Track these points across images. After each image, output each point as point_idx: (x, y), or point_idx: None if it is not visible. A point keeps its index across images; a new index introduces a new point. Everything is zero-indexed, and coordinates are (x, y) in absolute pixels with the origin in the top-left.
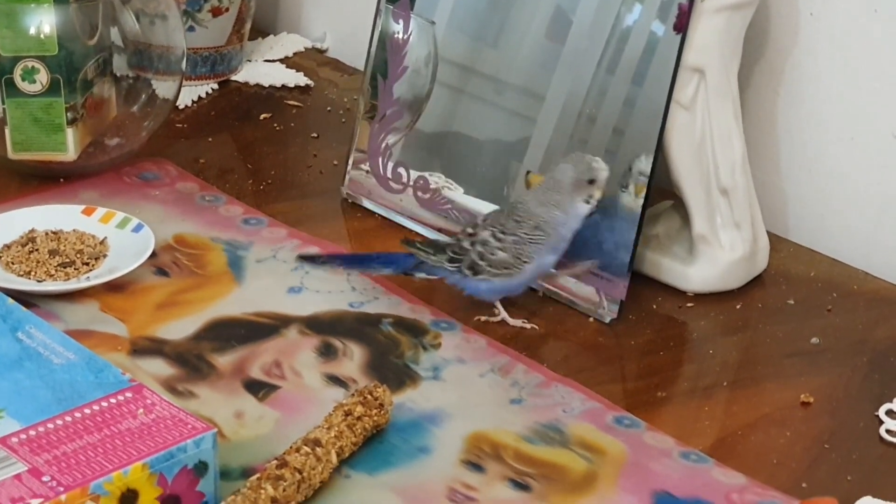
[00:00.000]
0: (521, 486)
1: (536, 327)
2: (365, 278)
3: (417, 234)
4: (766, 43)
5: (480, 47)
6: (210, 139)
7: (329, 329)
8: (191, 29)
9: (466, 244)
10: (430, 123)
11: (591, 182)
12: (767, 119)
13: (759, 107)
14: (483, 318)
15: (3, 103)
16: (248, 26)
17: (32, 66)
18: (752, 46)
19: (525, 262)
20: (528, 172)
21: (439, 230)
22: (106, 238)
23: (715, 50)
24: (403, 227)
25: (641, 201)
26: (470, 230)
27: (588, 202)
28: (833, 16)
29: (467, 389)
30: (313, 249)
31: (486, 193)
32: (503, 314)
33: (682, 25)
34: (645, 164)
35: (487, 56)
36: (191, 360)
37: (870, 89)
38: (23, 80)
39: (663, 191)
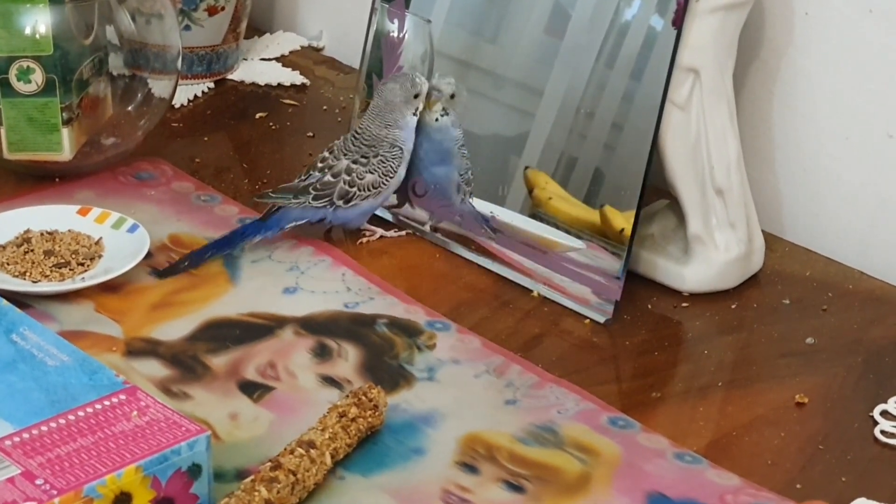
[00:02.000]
0: (516, 488)
1: (407, 232)
2: (360, 278)
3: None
4: (761, 43)
5: (479, 42)
6: (206, 138)
7: (324, 330)
8: (186, 28)
9: (329, 177)
10: None
11: (416, 96)
12: (762, 119)
13: (754, 107)
14: (364, 241)
15: None
16: (243, 25)
17: (28, 66)
18: (747, 46)
19: (390, 177)
20: (526, 167)
21: (435, 229)
22: (101, 238)
23: (710, 50)
24: (398, 225)
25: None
26: (321, 164)
27: (415, 114)
28: (828, 16)
29: (462, 390)
30: (307, 249)
31: (483, 191)
32: (379, 231)
33: (680, 21)
34: (439, 81)
35: (486, 51)
36: (185, 361)
37: (865, 89)
38: (18, 80)
39: (658, 190)
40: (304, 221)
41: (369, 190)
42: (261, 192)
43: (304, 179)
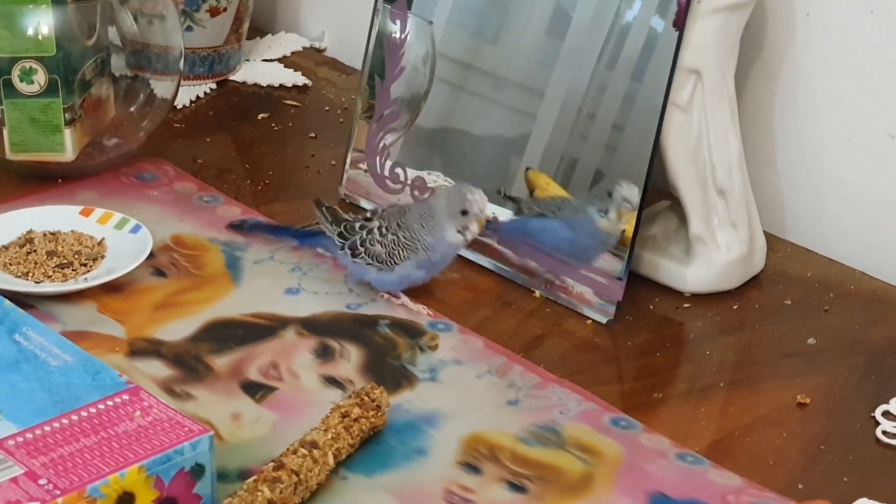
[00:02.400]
0: (518, 488)
1: (430, 313)
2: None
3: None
4: (763, 44)
5: (480, 44)
6: (208, 139)
7: (326, 330)
8: (189, 29)
9: (357, 226)
10: (429, 120)
11: (464, 213)
12: (764, 119)
13: (756, 107)
14: (387, 296)
15: (2, 104)
16: (246, 26)
17: (30, 67)
18: (749, 47)
19: (395, 263)
20: (527, 169)
21: None
22: (104, 239)
23: (711, 51)
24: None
25: (623, 226)
26: (367, 215)
27: (462, 233)
28: (829, 16)
29: (464, 391)
30: (310, 250)
31: (486, 193)
32: (403, 298)
33: (681, 22)
34: (628, 191)
35: (487, 52)
36: (188, 362)
37: (866, 90)
38: (21, 80)
39: (660, 191)
40: (329, 255)
41: (371, 259)
42: (318, 201)
43: (355, 220)
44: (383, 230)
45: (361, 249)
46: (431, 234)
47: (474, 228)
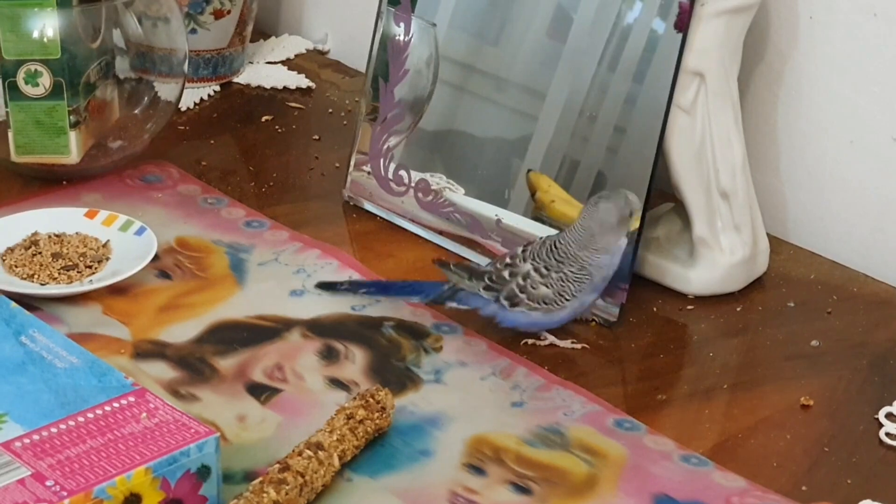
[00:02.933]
0: (523, 490)
1: (587, 346)
2: (366, 280)
3: (445, 252)
4: (766, 46)
5: (482, 45)
6: (212, 141)
7: (331, 332)
8: (193, 31)
9: (506, 274)
10: (431, 122)
11: (631, 215)
12: (767, 122)
13: (759, 110)
14: (531, 341)
15: (7, 106)
16: (249, 28)
17: (35, 70)
18: (752, 50)
19: (567, 299)
20: (529, 171)
21: (440, 232)
22: (109, 241)
23: (715, 54)
24: (405, 229)
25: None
26: (508, 261)
27: (628, 236)
28: (833, 19)
29: (468, 392)
30: (314, 251)
31: (488, 195)
32: (551, 338)
33: (682, 24)
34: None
35: (489, 54)
36: (193, 364)
37: (869, 93)
38: (26, 83)
39: (664, 194)
40: (469, 308)
41: (539, 303)
42: (441, 261)
43: (481, 267)
44: (542, 270)
45: (523, 296)
46: (607, 251)
47: (635, 226)
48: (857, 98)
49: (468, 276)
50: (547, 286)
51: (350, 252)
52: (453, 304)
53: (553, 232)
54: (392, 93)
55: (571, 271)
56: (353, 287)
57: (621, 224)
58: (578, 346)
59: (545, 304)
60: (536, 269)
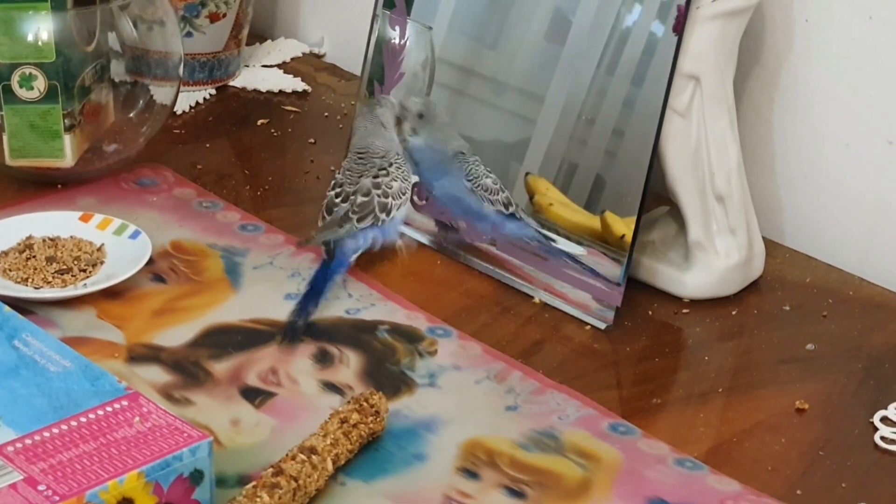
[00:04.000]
0: (517, 494)
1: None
2: (361, 284)
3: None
4: (762, 49)
5: (480, 49)
6: (207, 145)
7: (325, 336)
8: (188, 34)
9: (360, 199)
10: None
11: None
12: (763, 125)
13: (755, 113)
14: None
15: (1, 110)
16: (245, 32)
17: (30, 73)
18: (748, 53)
19: (409, 181)
20: (527, 174)
21: (435, 235)
22: (103, 245)
23: (710, 57)
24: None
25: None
26: (337, 190)
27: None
28: (828, 22)
29: (463, 396)
30: (309, 255)
31: None
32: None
33: (680, 27)
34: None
35: (487, 57)
36: (187, 368)
37: (865, 96)
38: (20, 86)
39: (659, 197)
40: (362, 250)
41: (400, 197)
42: (306, 236)
43: (337, 212)
44: (378, 172)
45: (389, 200)
46: (389, 139)
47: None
48: (852, 101)
49: (338, 226)
50: (395, 179)
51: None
52: (354, 255)
53: (553, 236)
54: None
55: (396, 158)
56: (299, 315)
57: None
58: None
59: (403, 195)
60: (376, 176)
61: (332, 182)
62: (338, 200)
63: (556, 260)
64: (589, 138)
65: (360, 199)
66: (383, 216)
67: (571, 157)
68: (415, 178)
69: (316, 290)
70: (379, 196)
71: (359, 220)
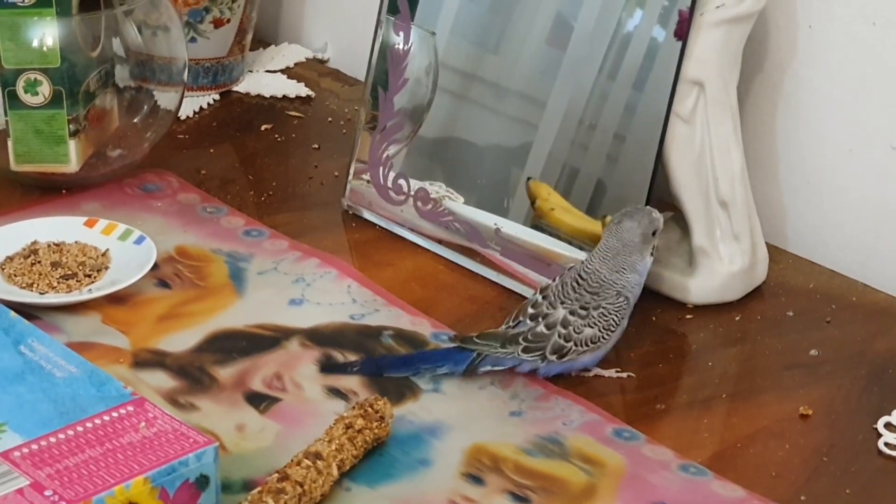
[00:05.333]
0: (521, 499)
1: (633, 375)
2: (366, 290)
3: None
4: (765, 55)
5: (482, 53)
6: (212, 150)
7: (330, 341)
8: (193, 40)
9: (542, 329)
10: (431, 129)
11: (654, 233)
12: (766, 131)
13: (759, 119)
14: (574, 373)
15: (6, 115)
16: (249, 37)
17: (35, 79)
18: (751, 59)
19: (612, 331)
20: (528, 178)
21: (439, 241)
22: (108, 250)
23: (714, 63)
24: (404, 238)
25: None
26: (532, 310)
27: (653, 254)
28: (831, 28)
29: (467, 402)
30: (313, 261)
31: (487, 203)
32: (595, 370)
33: (682, 32)
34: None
35: (489, 62)
36: (192, 373)
37: (868, 101)
38: (25, 92)
39: (663, 202)
40: (503, 368)
41: (587, 345)
42: (463, 338)
43: (514, 326)
44: (580, 311)
45: (569, 345)
46: (635, 270)
47: (657, 243)
48: (856, 107)
49: (500, 344)
50: (590, 326)
51: (349, 261)
52: (487, 368)
53: (553, 241)
54: (391, 102)
55: (610, 302)
56: (367, 367)
57: (645, 242)
58: (624, 374)
59: (593, 343)
60: (573, 312)
61: (536, 294)
62: (524, 318)
63: (559, 265)
64: (590, 143)
65: (540, 328)
66: (553, 357)
67: (573, 161)
68: (624, 325)
69: (409, 363)
70: (560, 336)
71: (524, 350)
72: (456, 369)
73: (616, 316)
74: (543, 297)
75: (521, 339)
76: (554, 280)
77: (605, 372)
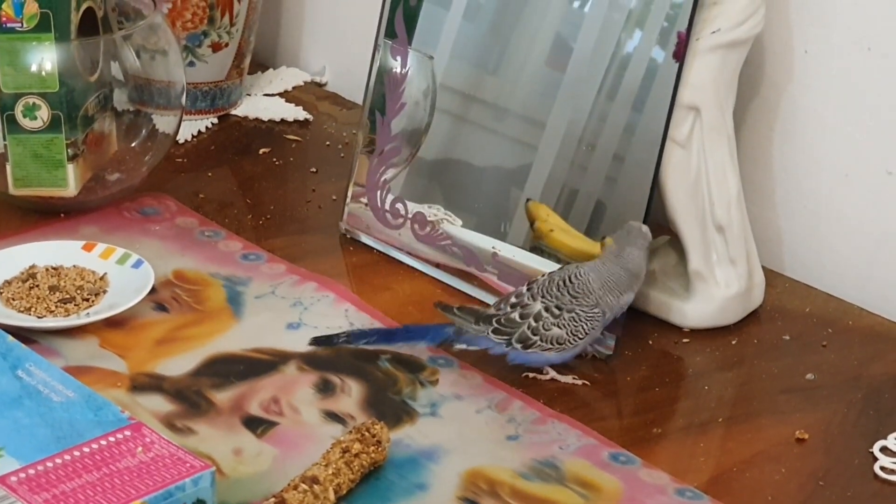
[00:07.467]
0: None
1: (588, 383)
2: (363, 314)
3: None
4: (761, 80)
5: (481, 75)
6: (210, 174)
7: (327, 365)
8: (191, 64)
9: (515, 316)
10: (430, 150)
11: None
12: (762, 156)
13: (755, 144)
14: (531, 375)
15: (5, 139)
16: (247, 61)
17: (34, 103)
18: (748, 84)
19: (580, 339)
20: (527, 200)
21: (437, 265)
22: (106, 274)
23: (710, 88)
24: (401, 262)
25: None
26: (514, 299)
27: (644, 282)
28: (827, 53)
29: (464, 426)
30: (311, 284)
31: (485, 227)
32: (552, 373)
33: (680, 54)
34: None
35: (488, 83)
36: (189, 397)
37: (864, 126)
38: (24, 116)
39: (659, 227)
40: (476, 349)
41: (552, 344)
42: (444, 305)
43: (497, 309)
44: (554, 310)
45: (535, 338)
46: (628, 292)
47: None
48: (851, 131)
49: (474, 320)
50: (559, 327)
51: (347, 285)
52: (461, 346)
53: (552, 263)
54: (389, 126)
55: (583, 310)
56: (351, 338)
57: (644, 273)
58: (579, 381)
59: (558, 344)
60: (548, 309)
61: (524, 285)
62: (505, 305)
63: None
64: (589, 164)
65: (514, 315)
66: (517, 346)
67: (572, 182)
68: (595, 335)
69: (391, 336)
70: (528, 328)
71: (494, 332)
72: (432, 343)
73: (587, 324)
74: (528, 289)
75: (493, 321)
76: (544, 275)
77: (561, 377)
